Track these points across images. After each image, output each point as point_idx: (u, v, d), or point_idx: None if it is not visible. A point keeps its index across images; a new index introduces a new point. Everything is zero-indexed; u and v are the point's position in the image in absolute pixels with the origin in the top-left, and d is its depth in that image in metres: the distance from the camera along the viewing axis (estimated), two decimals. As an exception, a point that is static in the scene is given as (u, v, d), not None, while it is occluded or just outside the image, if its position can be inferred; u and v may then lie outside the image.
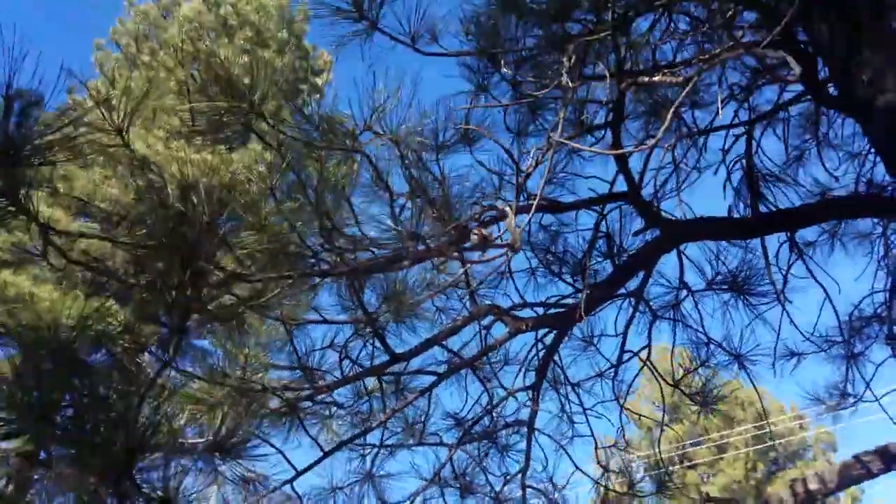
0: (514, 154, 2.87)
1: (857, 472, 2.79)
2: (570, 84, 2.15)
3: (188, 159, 2.63)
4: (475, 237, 2.16)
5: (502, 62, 2.88)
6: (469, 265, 2.48)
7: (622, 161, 2.63)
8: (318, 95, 11.38)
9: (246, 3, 11.58)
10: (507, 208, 2.15)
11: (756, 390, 3.75)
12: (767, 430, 23.71)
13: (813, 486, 2.82)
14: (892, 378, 4.56)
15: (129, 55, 12.65)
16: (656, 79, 2.20)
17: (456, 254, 2.20)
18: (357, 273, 2.49)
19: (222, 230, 2.22)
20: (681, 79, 2.08)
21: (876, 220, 4.21)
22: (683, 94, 2.00)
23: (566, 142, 2.33)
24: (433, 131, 2.56)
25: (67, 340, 1.92)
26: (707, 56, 2.03)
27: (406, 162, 2.18)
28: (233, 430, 1.96)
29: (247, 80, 1.95)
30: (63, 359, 1.87)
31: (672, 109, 1.98)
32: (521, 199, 2.72)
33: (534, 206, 2.15)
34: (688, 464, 24.74)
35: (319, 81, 11.62)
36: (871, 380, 4.43)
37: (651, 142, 2.03)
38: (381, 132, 2.12)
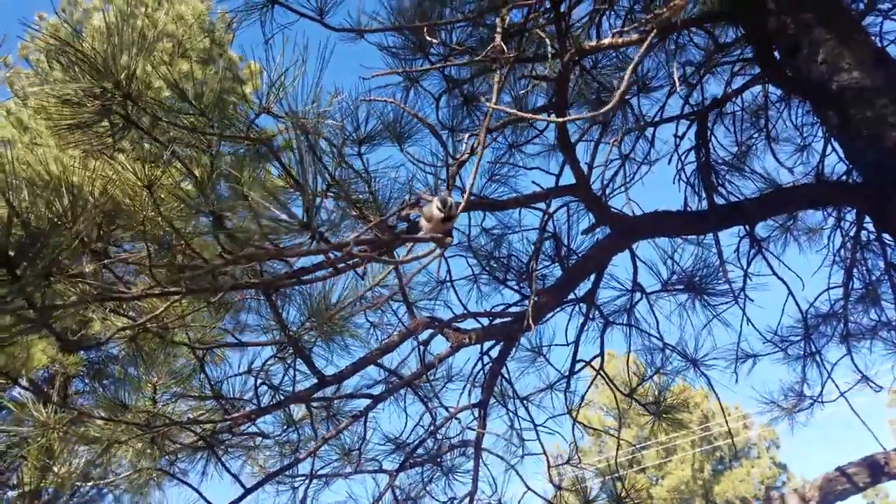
0: (448, 148, 2.54)
1: (841, 486, 2.54)
2: (504, 48, 1.83)
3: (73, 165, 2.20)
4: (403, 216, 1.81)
5: (431, 42, 2.54)
6: (397, 265, 2.12)
7: (568, 149, 2.32)
8: (246, 106, 10.84)
9: (164, 13, 11.00)
10: (427, 196, 1.81)
11: (718, 399, 3.50)
12: (715, 430, 24.04)
13: (792, 503, 2.56)
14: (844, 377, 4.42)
15: (42, 72, 11.87)
16: (606, 41, 1.90)
17: (362, 250, 1.84)
18: (268, 285, 2.09)
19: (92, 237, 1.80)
20: (635, 37, 1.79)
21: (828, 213, 4.06)
22: (641, 52, 1.69)
23: (504, 109, 2.00)
24: (353, 119, 2.21)
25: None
26: (659, 13, 1.74)
27: (317, 152, 1.81)
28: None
29: (107, 52, 1.56)
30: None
31: (632, 67, 1.67)
32: (458, 195, 2.39)
33: (464, 199, 1.81)
34: (637, 468, 24.85)
35: (248, 90, 11.12)
36: (827, 378, 4.27)
37: (606, 108, 1.72)
38: (283, 115, 1.75)
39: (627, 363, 3.78)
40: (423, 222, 2.01)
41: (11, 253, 1.35)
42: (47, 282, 1.42)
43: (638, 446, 21.45)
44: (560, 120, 2.07)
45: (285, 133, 1.84)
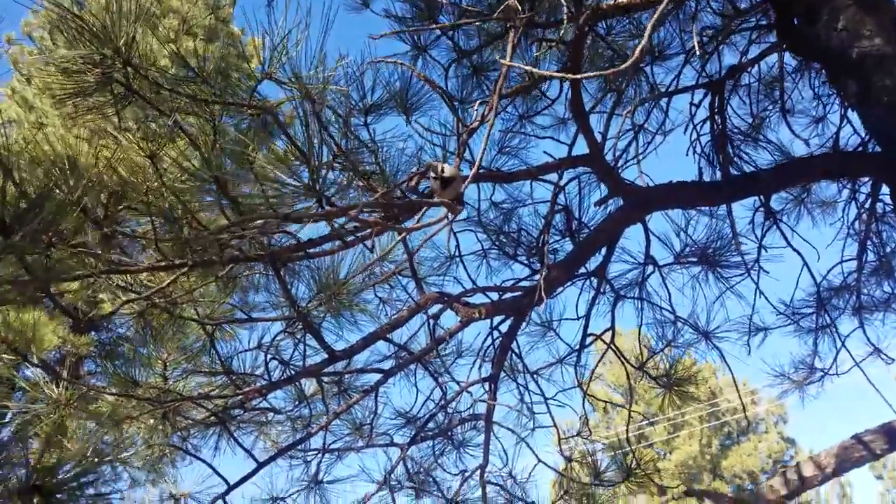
0: (458, 114, 2.48)
1: (857, 453, 2.51)
2: (518, 7, 1.77)
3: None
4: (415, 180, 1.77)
5: (440, 3, 2.47)
6: (407, 232, 2.07)
7: (582, 116, 2.27)
8: (250, 82, 10.74)
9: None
10: (438, 163, 1.76)
11: (731, 371, 3.47)
12: (723, 405, 24.10)
13: (808, 472, 2.53)
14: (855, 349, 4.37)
15: (45, 49, 11.78)
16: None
17: (368, 217, 1.80)
18: (275, 258, 2.06)
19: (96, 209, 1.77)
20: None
21: (843, 185, 3.99)
22: (663, 5, 1.63)
23: (519, 65, 1.94)
24: (358, 87, 2.16)
25: None
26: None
27: (322, 120, 1.77)
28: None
29: (107, 18, 1.52)
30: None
31: (656, 17, 1.61)
32: (468, 167, 2.34)
33: (475, 167, 1.76)
34: (645, 443, 24.98)
35: (251, 66, 11.03)
36: (840, 349, 4.23)
37: (627, 63, 1.65)
38: (287, 81, 1.70)
39: (639, 336, 3.74)
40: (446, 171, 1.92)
41: (7, 220, 1.31)
42: (47, 250, 1.38)
43: (646, 421, 21.52)
44: (577, 77, 2.01)
45: (289, 101, 1.79)
